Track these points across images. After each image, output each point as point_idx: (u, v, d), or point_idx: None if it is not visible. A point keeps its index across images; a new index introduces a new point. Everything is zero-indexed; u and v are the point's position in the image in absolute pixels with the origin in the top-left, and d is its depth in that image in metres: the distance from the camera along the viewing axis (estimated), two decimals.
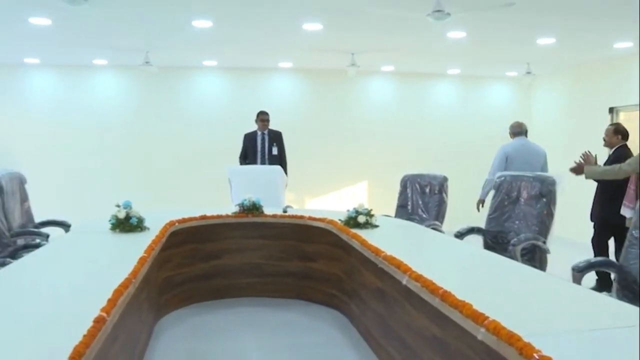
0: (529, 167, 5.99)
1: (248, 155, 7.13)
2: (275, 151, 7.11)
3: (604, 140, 6.00)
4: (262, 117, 7.12)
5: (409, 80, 10.28)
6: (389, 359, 3.40)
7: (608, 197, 5.60)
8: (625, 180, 5.03)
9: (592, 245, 5.86)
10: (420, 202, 5.79)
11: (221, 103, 9.68)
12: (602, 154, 6.02)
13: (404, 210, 5.91)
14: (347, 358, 3.81)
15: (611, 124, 6.15)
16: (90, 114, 9.39)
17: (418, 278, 2.66)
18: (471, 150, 9.91)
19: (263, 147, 7.10)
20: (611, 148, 5.99)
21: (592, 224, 5.97)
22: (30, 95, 9.29)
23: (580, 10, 5.69)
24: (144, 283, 3.21)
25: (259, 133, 7.13)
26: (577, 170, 5.21)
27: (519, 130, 6.55)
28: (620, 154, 5.72)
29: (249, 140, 7.18)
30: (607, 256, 5.47)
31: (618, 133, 5.88)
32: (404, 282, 2.82)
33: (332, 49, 7.80)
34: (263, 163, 7.03)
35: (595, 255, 5.71)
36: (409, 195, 5.91)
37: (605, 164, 5.76)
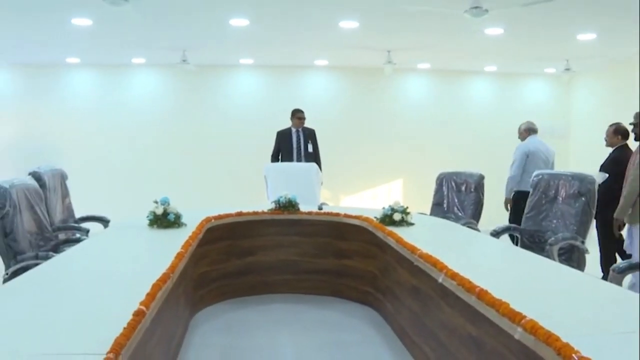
0: (547, 165, 6.18)
1: (283, 153, 7.13)
2: (310, 149, 7.12)
3: (605, 140, 5.98)
4: (299, 115, 7.13)
5: (445, 77, 10.20)
6: (423, 357, 3.38)
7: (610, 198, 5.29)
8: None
9: (600, 249, 5.76)
10: (456, 201, 5.74)
11: (257, 101, 9.75)
12: None
13: (439, 209, 5.87)
14: (381, 356, 3.80)
15: (611, 124, 6.01)
16: (128, 112, 9.59)
17: (454, 276, 2.64)
18: (508, 148, 9.69)
19: (299, 144, 7.10)
20: (612, 147, 5.95)
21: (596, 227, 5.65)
22: (71, 94, 9.52)
23: (621, 4, 5.56)
24: (181, 278, 3.25)
25: (294, 130, 7.14)
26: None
27: (534, 129, 6.65)
28: (619, 153, 5.71)
29: (284, 137, 7.18)
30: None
31: (618, 133, 5.87)
32: (440, 280, 2.81)
33: (368, 46, 7.78)
34: (299, 161, 7.02)
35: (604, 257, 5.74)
36: (445, 193, 5.87)
37: (603, 164, 5.86)
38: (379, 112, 9.95)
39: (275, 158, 7.19)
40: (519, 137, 6.80)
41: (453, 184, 5.80)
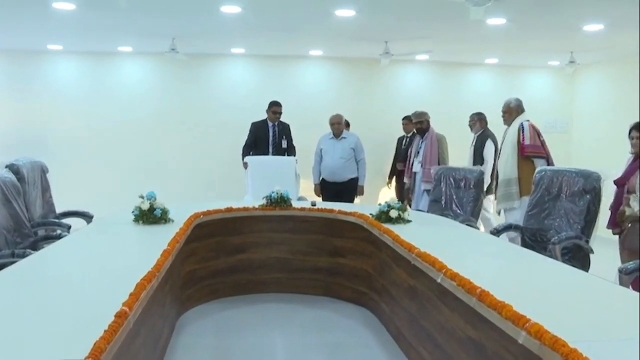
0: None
1: (258, 146, 7.21)
2: (284, 144, 7.27)
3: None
4: (275, 109, 7.21)
5: (444, 69, 10.17)
6: None
7: None
8: None
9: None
10: (454, 197, 5.71)
11: (249, 92, 9.67)
12: None
13: (437, 205, 5.84)
14: (376, 358, 3.78)
15: None
16: (114, 103, 9.49)
17: (454, 276, 2.62)
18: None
19: (274, 139, 7.20)
20: None
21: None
22: (53, 83, 9.40)
23: None
24: (167, 277, 3.21)
25: (270, 125, 7.25)
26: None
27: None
28: None
29: (259, 130, 7.29)
30: None
31: None
32: (439, 280, 2.78)
33: (365, 36, 7.73)
34: (274, 155, 7.18)
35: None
36: (443, 189, 5.84)
37: None
38: (376, 105, 9.89)
39: (249, 149, 7.25)
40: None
41: (452, 180, 5.78)
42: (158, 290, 2.82)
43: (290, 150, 7.32)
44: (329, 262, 4.99)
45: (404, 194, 7.59)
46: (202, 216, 4.50)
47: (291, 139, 7.37)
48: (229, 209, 4.84)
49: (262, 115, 7.39)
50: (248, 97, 9.59)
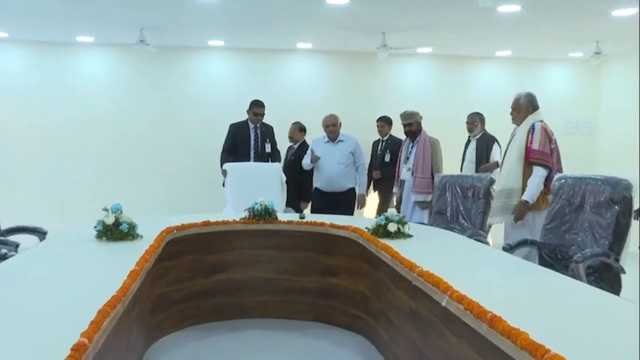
0: None
1: (237, 150, 7.21)
2: (268, 148, 7.27)
3: None
4: (257, 110, 7.22)
5: (449, 64, 10.22)
6: None
7: None
8: None
9: None
10: (461, 208, 5.71)
11: (228, 89, 9.67)
12: None
13: (441, 218, 5.83)
14: None
15: None
16: (72, 101, 9.41)
17: (461, 299, 2.60)
18: None
19: (256, 142, 7.23)
20: None
21: None
22: None
23: None
24: (134, 301, 3.18)
25: (251, 127, 7.27)
26: None
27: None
28: None
29: (239, 132, 7.30)
30: None
31: None
32: (444, 303, 2.77)
33: (359, 27, 7.75)
34: (256, 161, 7.18)
35: None
36: (448, 199, 5.83)
37: None
38: (372, 104, 9.87)
39: (228, 154, 7.23)
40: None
41: (458, 189, 5.77)
42: (124, 317, 2.78)
43: (275, 156, 7.33)
44: (320, 283, 4.98)
45: (388, 205, 7.59)
46: (175, 231, 4.47)
47: (275, 143, 7.38)
48: (206, 223, 4.81)
49: (243, 116, 7.38)
50: (227, 95, 9.59)
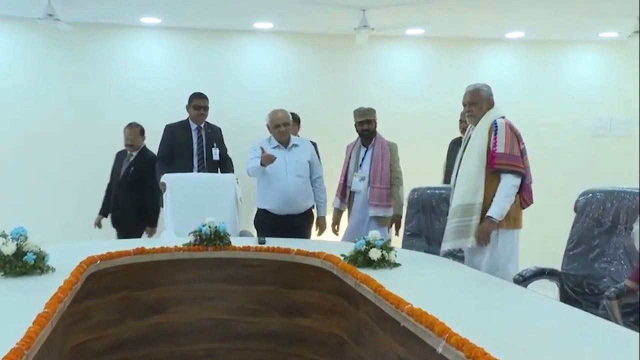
0: None
1: (177, 158, 7.10)
2: (216, 155, 7.19)
3: None
4: (198, 103, 7.16)
5: (447, 48, 10.33)
6: None
7: None
8: None
9: None
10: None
11: (165, 80, 9.62)
12: None
13: (417, 240, 5.89)
14: None
15: None
16: None
17: (461, 344, 2.61)
18: (543, 145, 9.67)
19: (200, 147, 7.15)
20: None
21: None
22: None
23: None
24: (42, 355, 3.13)
25: (194, 127, 7.21)
26: None
27: None
28: None
29: (178, 135, 7.20)
30: None
31: None
32: (440, 349, 2.78)
33: (333, 2, 7.77)
34: (201, 171, 7.08)
35: None
36: (424, 219, 5.89)
37: None
38: (350, 95, 9.82)
39: (165, 164, 7.04)
40: None
41: (438, 205, 5.82)
42: None
43: (226, 164, 7.30)
44: (285, 325, 4.99)
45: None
46: (99, 261, 4.44)
47: (225, 149, 7.35)
48: (140, 251, 4.81)
49: (183, 114, 7.32)
50: (164, 89, 9.52)
